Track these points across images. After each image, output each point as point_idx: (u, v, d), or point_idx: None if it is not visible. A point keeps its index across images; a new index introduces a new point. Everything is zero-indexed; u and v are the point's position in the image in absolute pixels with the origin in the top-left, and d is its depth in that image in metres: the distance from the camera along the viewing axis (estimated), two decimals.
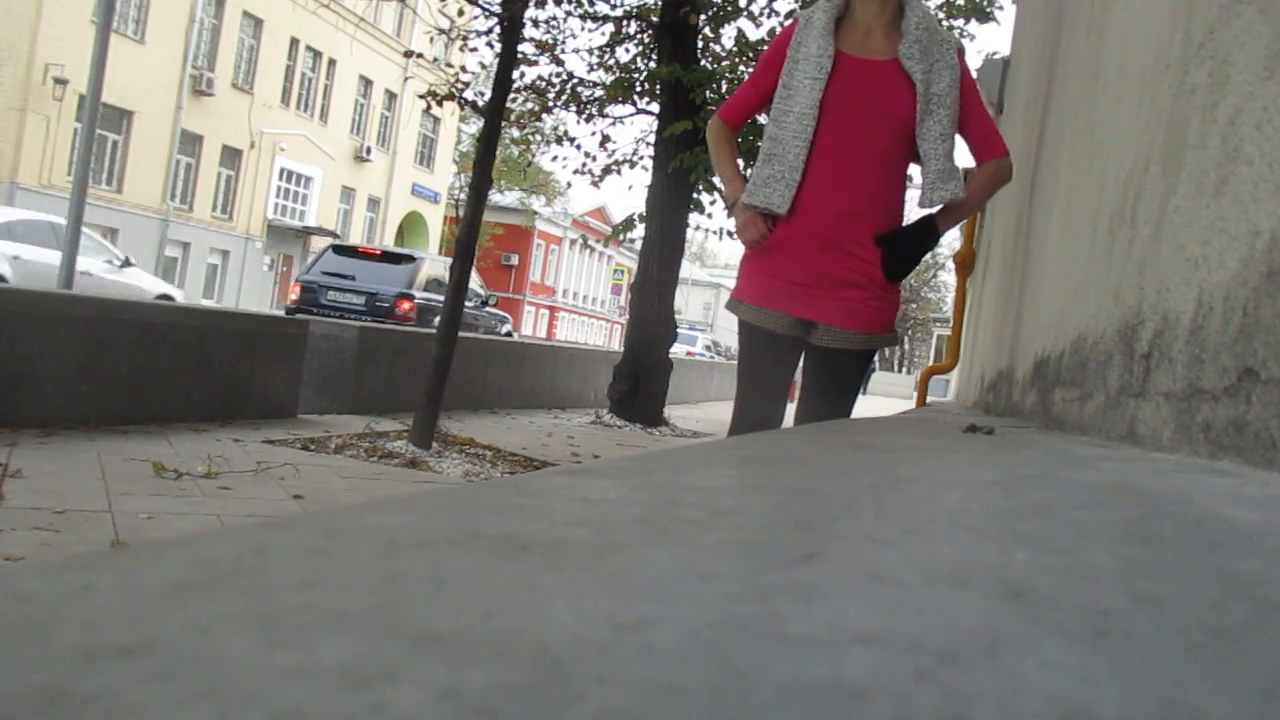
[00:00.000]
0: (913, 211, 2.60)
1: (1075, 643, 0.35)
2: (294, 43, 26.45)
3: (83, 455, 4.03)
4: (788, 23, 2.62)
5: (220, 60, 24.01)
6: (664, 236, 9.18)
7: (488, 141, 5.83)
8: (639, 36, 9.96)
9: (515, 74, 7.20)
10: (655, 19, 9.34)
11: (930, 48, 2.42)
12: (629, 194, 35.04)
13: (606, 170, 10.33)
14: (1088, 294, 1.65)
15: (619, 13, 9.94)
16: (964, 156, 2.63)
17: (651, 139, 9.71)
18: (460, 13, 9.45)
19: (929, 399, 5.17)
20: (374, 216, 31.06)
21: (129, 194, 22.05)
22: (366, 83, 29.65)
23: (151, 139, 22.32)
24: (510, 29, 5.99)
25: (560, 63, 10.07)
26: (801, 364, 2.65)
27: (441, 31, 9.48)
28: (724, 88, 8.92)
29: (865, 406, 4.49)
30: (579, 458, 6.30)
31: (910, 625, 0.36)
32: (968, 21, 9.28)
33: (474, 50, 10.11)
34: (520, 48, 7.45)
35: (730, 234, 8.88)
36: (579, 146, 10.36)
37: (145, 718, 0.24)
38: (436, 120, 31.57)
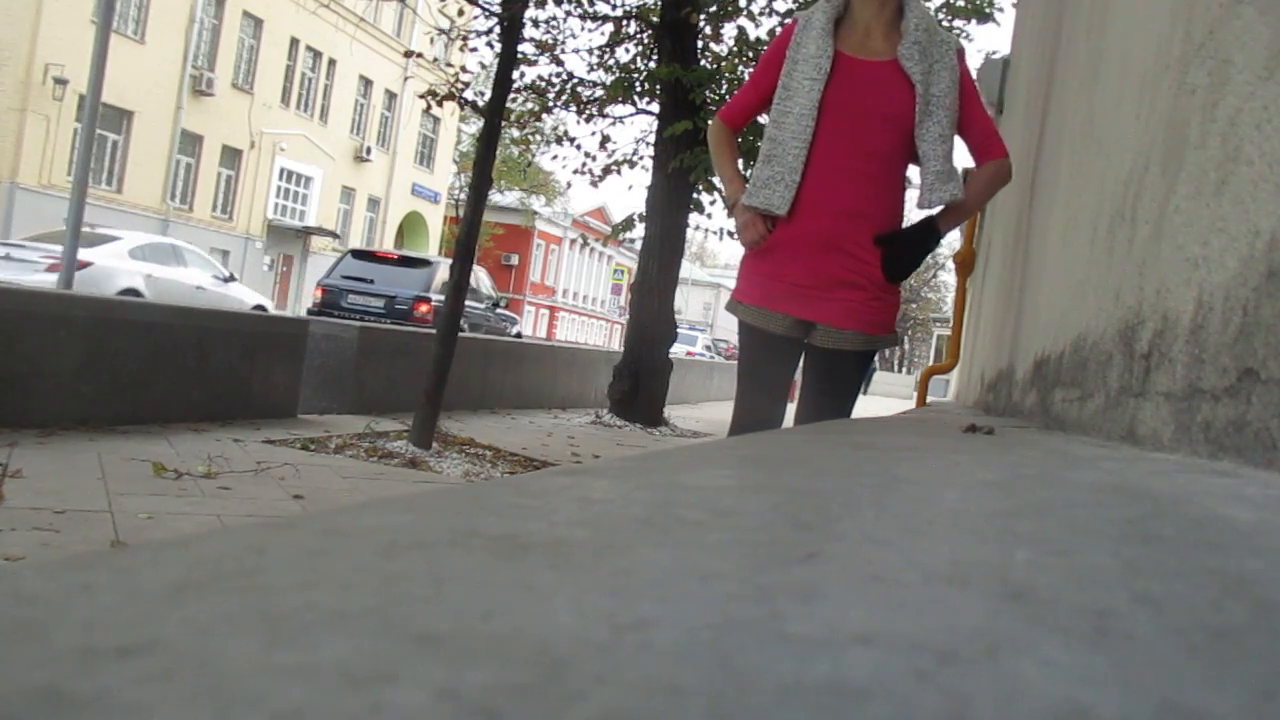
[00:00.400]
0: (912, 212, 2.60)
1: (1075, 643, 0.35)
2: (294, 43, 26.45)
3: (83, 455, 4.03)
4: (788, 23, 2.62)
5: (220, 60, 24.00)
6: (664, 236, 9.18)
7: (488, 141, 5.83)
8: (639, 36, 9.96)
9: (515, 74, 7.20)
10: (655, 19, 9.34)
11: (929, 48, 2.42)
12: (629, 194, 35.03)
13: (606, 170, 10.33)
14: (1088, 294, 1.65)
15: (619, 13, 9.94)
16: (963, 157, 2.62)
17: (651, 139, 9.71)
18: (460, 13, 9.46)
19: (929, 399, 5.17)
20: (374, 216, 31.05)
21: (129, 194, 22.05)
22: (366, 83, 29.65)
23: (151, 139, 22.31)
24: (510, 29, 5.99)
25: (560, 63, 10.07)
26: (801, 364, 2.65)
27: (441, 31, 9.48)
28: (724, 88, 8.92)
29: (865, 406, 4.49)
30: (579, 458, 6.30)
31: (910, 625, 0.36)
32: (968, 21, 9.28)
33: (474, 50, 10.11)
34: (520, 48, 7.45)
35: (730, 234, 8.88)
36: (579, 146, 10.36)
37: (145, 718, 0.24)
38: (436, 120, 31.57)
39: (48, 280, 10.47)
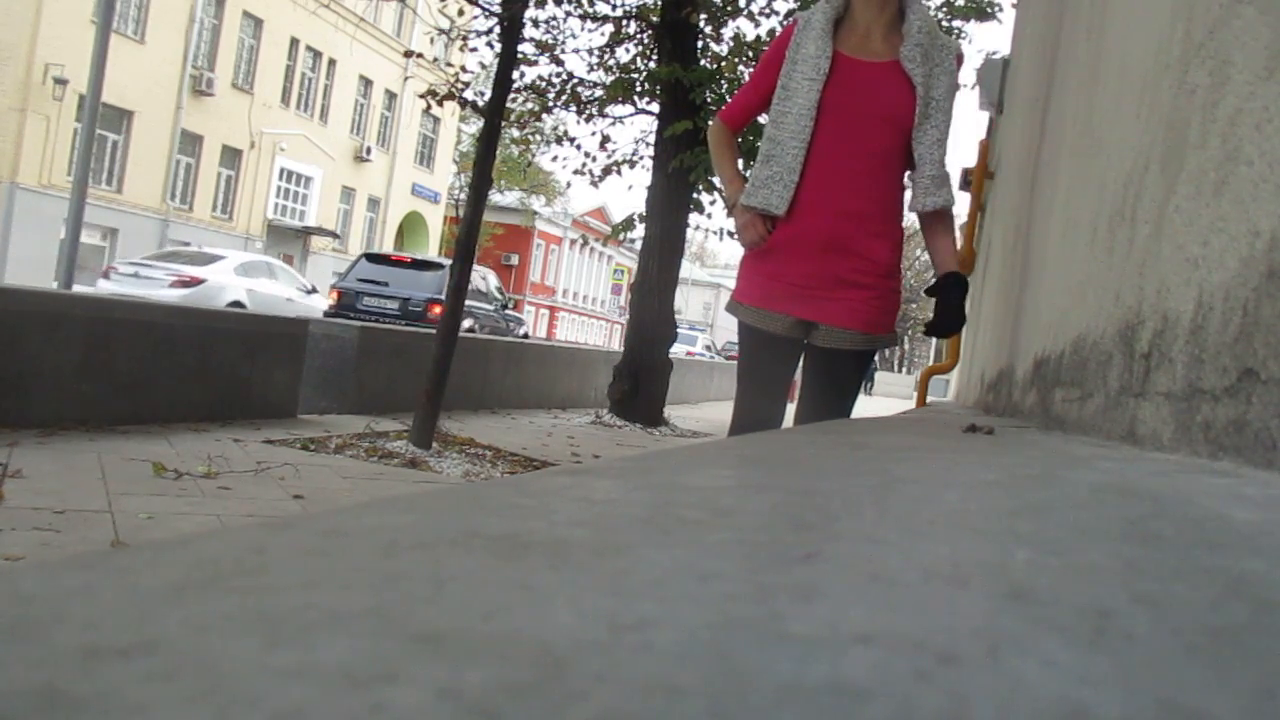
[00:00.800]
0: (910, 214, 2.60)
1: (1075, 643, 0.35)
2: (294, 43, 26.43)
3: (83, 455, 4.03)
4: (788, 23, 2.63)
5: (220, 60, 23.99)
6: (664, 236, 9.18)
7: (488, 141, 5.83)
8: (639, 36, 9.96)
9: (515, 74, 7.20)
10: (655, 19, 9.34)
11: (931, 51, 2.43)
12: (629, 194, 35.02)
13: (606, 170, 10.33)
14: (1088, 294, 1.65)
15: (619, 13, 9.95)
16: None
17: (651, 139, 9.71)
18: (460, 13, 9.45)
19: (929, 399, 5.16)
20: (374, 216, 31.05)
21: (129, 194, 22.04)
22: (366, 83, 29.64)
23: (151, 139, 22.31)
24: (510, 29, 5.99)
25: (560, 63, 10.07)
26: (801, 364, 2.65)
27: (441, 31, 9.48)
28: (724, 87, 8.92)
29: (865, 406, 4.49)
30: (579, 458, 6.30)
31: (910, 625, 0.36)
32: (967, 21, 9.28)
33: (474, 50, 10.11)
34: (520, 48, 7.45)
35: (730, 234, 8.88)
36: (579, 146, 10.36)
37: (145, 718, 0.24)
38: (436, 120, 31.56)
39: (171, 295, 12.08)
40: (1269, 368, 0.83)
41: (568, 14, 9.90)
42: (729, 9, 9.30)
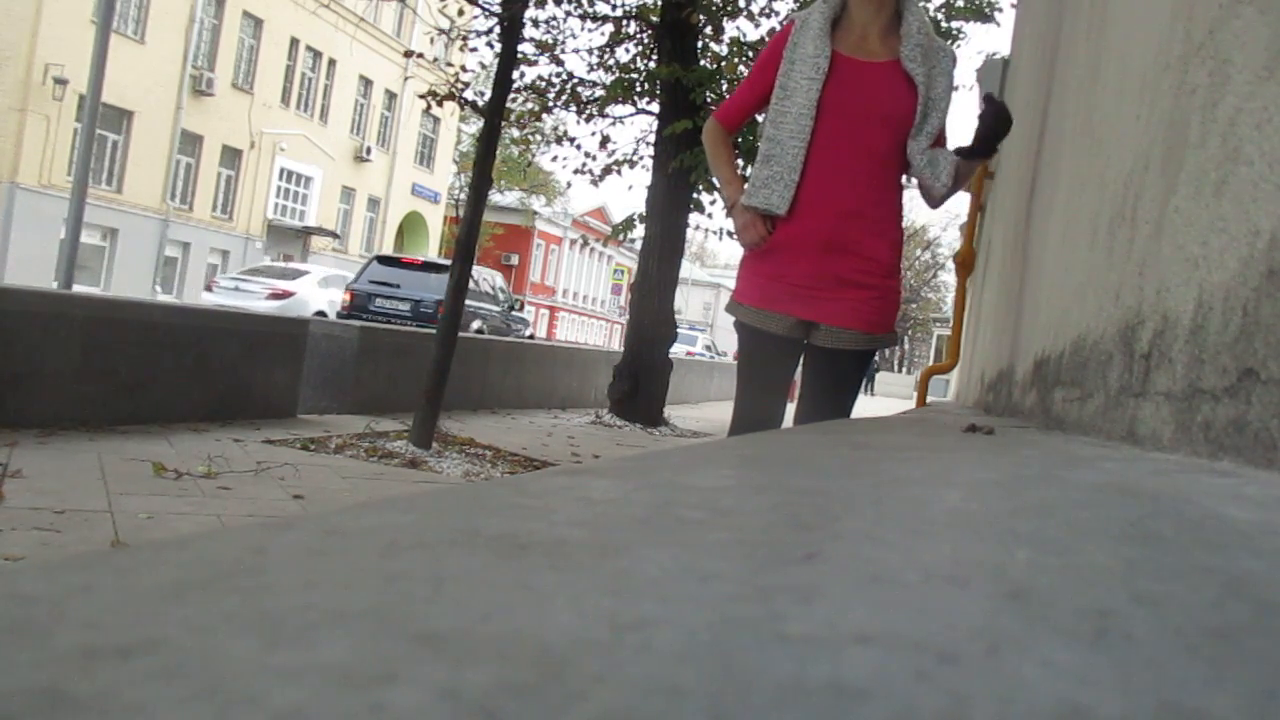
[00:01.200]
0: (910, 214, 2.61)
1: (1075, 643, 0.35)
2: (294, 43, 26.43)
3: (83, 455, 4.03)
4: (785, 23, 2.63)
5: (220, 60, 23.99)
6: (664, 236, 9.18)
7: (488, 141, 5.83)
8: (639, 36, 9.96)
9: (515, 74, 7.20)
10: (655, 19, 9.34)
11: (929, 53, 2.45)
12: (629, 194, 34.98)
13: (606, 170, 10.33)
14: (1088, 294, 1.65)
15: (619, 13, 9.95)
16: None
17: (651, 139, 9.72)
18: (460, 13, 9.46)
19: (929, 399, 5.16)
20: (374, 216, 31.04)
21: (129, 194, 22.04)
22: (366, 83, 29.63)
23: (151, 139, 22.30)
24: (510, 29, 5.99)
25: (560, 63, 10.08)
26: (801, 364, 2.65)
27: (441, 31, 9.48)
28: (724, 87, 8.92)
29: (865, 406, 4.49)
30: (579, 458, 6.30)
31: (910, 625, 0.36)
32: (967, 21, 9.28)
33: (474, 50, 10.11)
34: (520, 48, 7.45)
35: (730, 234, 8.88)
36: (579, 146, 10.36)
37: (145, 718, 0.24)
38: (436, 120, 31.55)
39: (268, 306, 13.98)
40: (1269, 368, 0.83)
41: (568, 14, 9.90)
42: (729, 9, 9.30)
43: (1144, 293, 1.24)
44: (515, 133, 11.30)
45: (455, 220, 6.31)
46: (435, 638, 0.31)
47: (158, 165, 22.66)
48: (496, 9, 6.56)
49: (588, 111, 10.10)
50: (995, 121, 2.48)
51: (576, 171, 10.43)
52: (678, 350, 13.39)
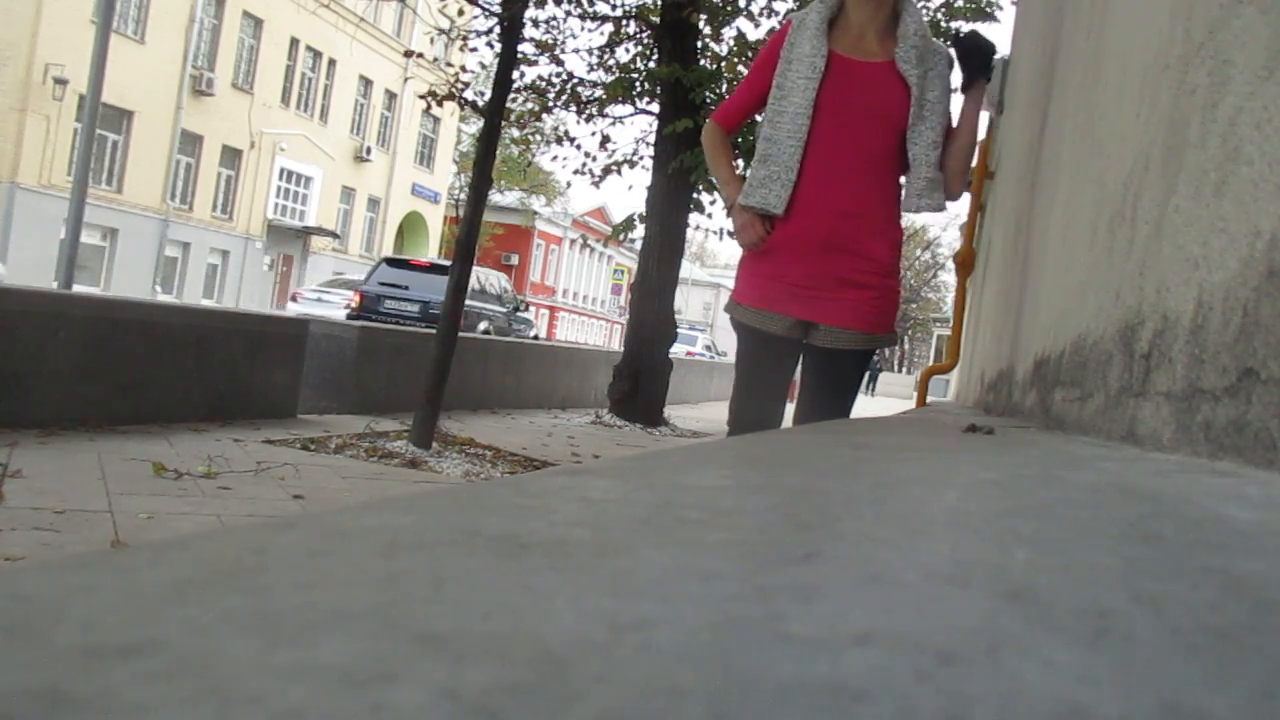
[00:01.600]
0: (910, 214, 2.62)
1: (1075, 643, 0.35)
2: (294, 43, 26.44)
3: (83, 455, 4.03)
4: (783, 23, 2.64)
5: (220, 60, 23.99)
6: (664, 236, 9.19)
7: (488, 141, 5.83)
8: (639, 36, 9.96)
9: (515, 74, 7.20)
10: (655, 19, 9.34)
11: (925, 55, 2.45)
12: (629, 194, 35.00)
13: (606, 170, 10.34)
14: (1088, 294, 1.65)
15: (619, 13, 9.95)
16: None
17: (651, 139, 9.72)
18: (460, 13, 9.46)
19: (929, 399, 5.16)
20: (374, 216, 31.04)
21: (129, 194, 22.04)
22: (366, 83, 29.63)
23: (151, 139, 22.31)
24: (510, 29, 5.99)
25: (560, 63, 10.08)
26: (801, 364, 2.64)
27: (441, 31, 9.48)
28: (724, 87, 8.92)
29: (866, 406, 4.49)
30: (579, 458, 6.30)
31: (910, 625, 0.36)
32: (967, 21, 9.27)
33: (474, 50, 10.11)
34: (520, 48, 7.45)
35: (730, 234, 8.87)
36: (579, 146, 10.37)
37: (145, 718, 0.24)
38: (436, 120, 31.56)
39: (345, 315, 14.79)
40: (1269, 368, 0.83)
41: (568, 14, 9.91)
42: (729, 9, 9.30)
43: (1144, 293, 1.24)
44: (515, 133, 11.31)
45: (455, 220, 6.31)
46: (435, 638, 0.31)
47: (158, 165, 22.66)
48: (496, 9, 6.56)
49: (588, 111, 10.11)
50: (974, 50, 2.52)
51: (576, 171, 10.44)
52: (678, 350, 13.40)
